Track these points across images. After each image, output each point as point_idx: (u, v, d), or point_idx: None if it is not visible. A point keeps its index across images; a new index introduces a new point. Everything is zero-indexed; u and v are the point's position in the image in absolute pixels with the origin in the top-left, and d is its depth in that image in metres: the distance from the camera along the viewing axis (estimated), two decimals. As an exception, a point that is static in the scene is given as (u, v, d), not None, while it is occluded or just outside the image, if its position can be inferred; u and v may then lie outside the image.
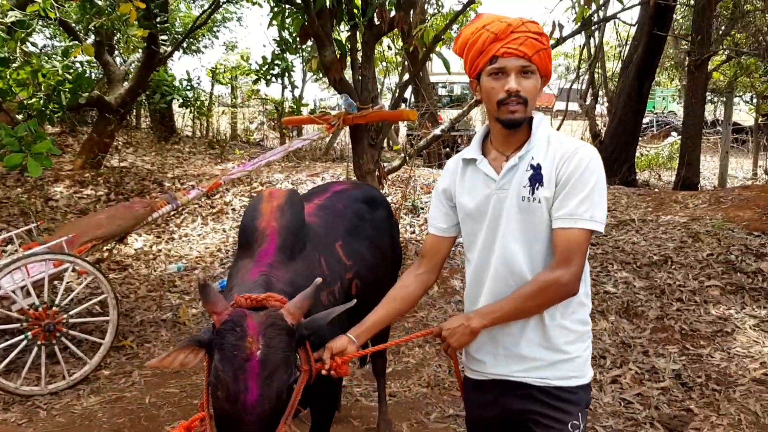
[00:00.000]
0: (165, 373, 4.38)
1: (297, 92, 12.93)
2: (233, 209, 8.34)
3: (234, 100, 13.86)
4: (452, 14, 11.76)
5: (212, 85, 14.31)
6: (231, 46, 16.68)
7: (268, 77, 12.25)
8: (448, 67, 6.01)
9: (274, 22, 5.97)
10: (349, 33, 5.93)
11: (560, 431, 1.88)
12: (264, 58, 12.09)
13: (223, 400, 1.73)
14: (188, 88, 12.43)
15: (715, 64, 10.70)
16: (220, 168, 10.51)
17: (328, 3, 5.58)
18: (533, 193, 1.84)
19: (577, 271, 1.81)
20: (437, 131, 6.49)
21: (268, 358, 1.75)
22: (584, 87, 11.54)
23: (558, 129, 9.28)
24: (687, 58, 9.50)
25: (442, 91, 15.32)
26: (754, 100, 15.26)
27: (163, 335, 4.98)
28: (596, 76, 11.63)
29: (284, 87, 12.77)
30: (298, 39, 6.19)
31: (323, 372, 1.94)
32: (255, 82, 12.18)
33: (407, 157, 6.55)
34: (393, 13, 5.54)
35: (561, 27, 5.89)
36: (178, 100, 12.18)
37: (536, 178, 1.85)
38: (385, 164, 6.70)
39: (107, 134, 8.73)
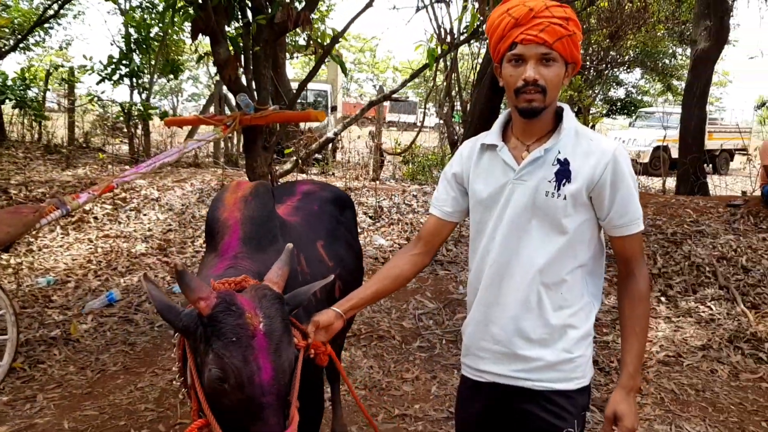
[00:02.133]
0: (74, 394, 3.94)
1: (145, 95, 12.13)
2: (95, 218, 7.71)
3: (72, 102, 12.73)
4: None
5: (45, 85, 13.09)
6: (66, 43, 15.33)
7: (115, 78, 11.42)
8: (345, 69, 6.00)
9: (167, 19, 5.60)
10: (242, 31, 5.71)
11: None
12: (110, 57, 11.26)
13: (234, 389, 1.55)
14: (22, 87, 11.27)
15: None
16: (69, 173, 9.66)
17: (223, -1, 5.35)
18: (559, 189, 1.78)
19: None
20: (330, 134, 6.44)
21: (273, 329, 1.62)
22: (442, 96, 11.97)
23: (415, 139, 9.58)
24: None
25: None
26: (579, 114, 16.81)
27: (56, 354, 4.45)
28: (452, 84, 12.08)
29: (132, 89, 11.95)
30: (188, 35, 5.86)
31: (311, 354, 1.86)
32: (99, 83, 11.29)
33: (299, 161, 6.44)
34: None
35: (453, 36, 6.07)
36: (11, 100, 11.00)
37: (563, 173, 1.78)
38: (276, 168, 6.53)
39: (-59, 136, 7.68)
